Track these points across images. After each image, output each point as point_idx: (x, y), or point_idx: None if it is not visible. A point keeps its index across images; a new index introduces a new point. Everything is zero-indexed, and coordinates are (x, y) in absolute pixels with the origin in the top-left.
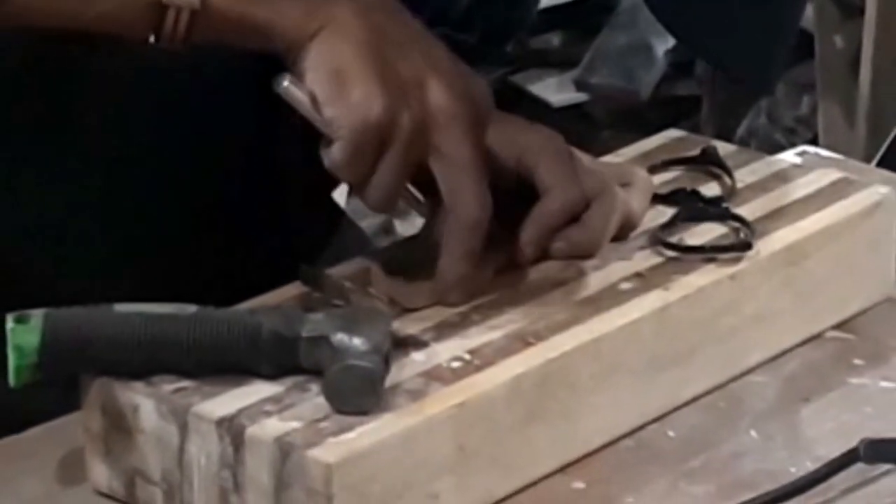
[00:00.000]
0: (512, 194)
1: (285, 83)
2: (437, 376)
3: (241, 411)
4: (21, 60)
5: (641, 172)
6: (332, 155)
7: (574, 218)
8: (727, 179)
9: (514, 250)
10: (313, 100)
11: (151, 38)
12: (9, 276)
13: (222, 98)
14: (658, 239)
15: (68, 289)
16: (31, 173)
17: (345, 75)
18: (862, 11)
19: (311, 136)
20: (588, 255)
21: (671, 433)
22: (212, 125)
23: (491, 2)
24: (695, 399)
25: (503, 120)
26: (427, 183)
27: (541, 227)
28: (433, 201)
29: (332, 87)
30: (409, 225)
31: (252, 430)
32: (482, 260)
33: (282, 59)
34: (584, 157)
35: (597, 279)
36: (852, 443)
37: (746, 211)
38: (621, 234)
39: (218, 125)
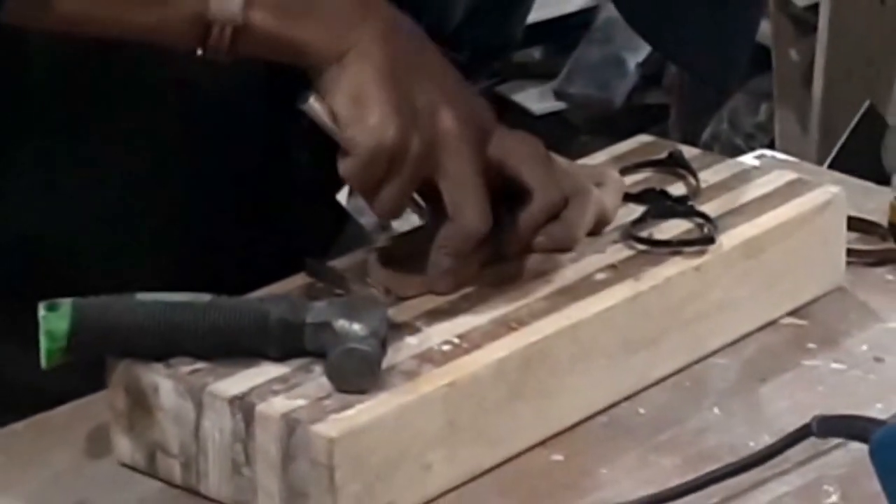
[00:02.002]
0: (496, 193)
1: (311, 100)
2: (429, 358)
3: (251, 390)
4: (66, 69)
5: (614, 174)
6: (347, 167)
7: (554, 216)
8: (692, 180)
9: (499, 245)
10: (334, 117)
11: (199, 51)
12: (43, 266)
13: (239, 108)
14: (630, 234)
15: (97, 279)
16: (67, 175)
17: (364, 99)
18: (815, 28)
19: (317, 144)
20: (566, 249)
21: (642, 410)
22: (229, 133)
23: (479, 24)
24: (663, 379)
25: None
26: (428, 192)
27: (524, 225)
28: (433, 208)
29: (353, 109)
30: (403, 222)
31: (261, 408)
32: (471, 254)
33: (307, 74)
34: (561, 161)
35: (574, 270)
36: (806, 419)
37: (709, 208)
38: (596, 230)
39: (235, 133)
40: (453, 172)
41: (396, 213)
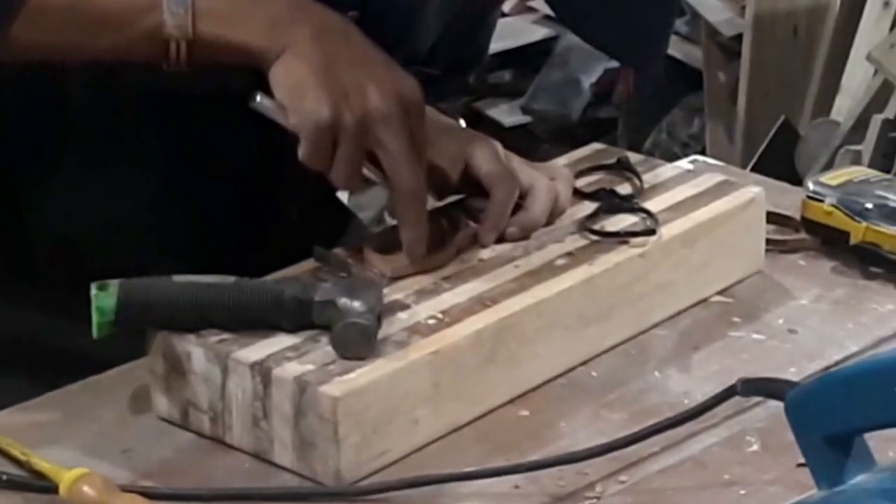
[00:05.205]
0: (466, 188)
1: (258, 98)
2: (417, 330)
3: (268, 357)
4: (100, 93)
5: (563, 168)
6: (300, 151)
7: (517, 206)
8: (637, 181)
9: (473, 233)
10: (282, 109)
11: (164, 66)
12: (91, 254)
13: (254, 123)
14: (584, 226)
15: (136, 264)
16: (103, 178)
17: (301, 88)
18: (739, 54)
19: None
20: (532, 231)
21: (594, 373)
22: (247, 143)
23: (450, 42)
24: (612, 347)
25: (454, 131)
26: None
27: (495, 218)
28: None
29: (293, 98)
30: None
31: (277, 372)
32: (449, 241)
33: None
34: (518, 159)
35: (538, 257)
36: (731, 381)
37: (651, 205)
38: (553, 216)
39: (252, 143)
40: (385, 142)
41: (353, 183)
